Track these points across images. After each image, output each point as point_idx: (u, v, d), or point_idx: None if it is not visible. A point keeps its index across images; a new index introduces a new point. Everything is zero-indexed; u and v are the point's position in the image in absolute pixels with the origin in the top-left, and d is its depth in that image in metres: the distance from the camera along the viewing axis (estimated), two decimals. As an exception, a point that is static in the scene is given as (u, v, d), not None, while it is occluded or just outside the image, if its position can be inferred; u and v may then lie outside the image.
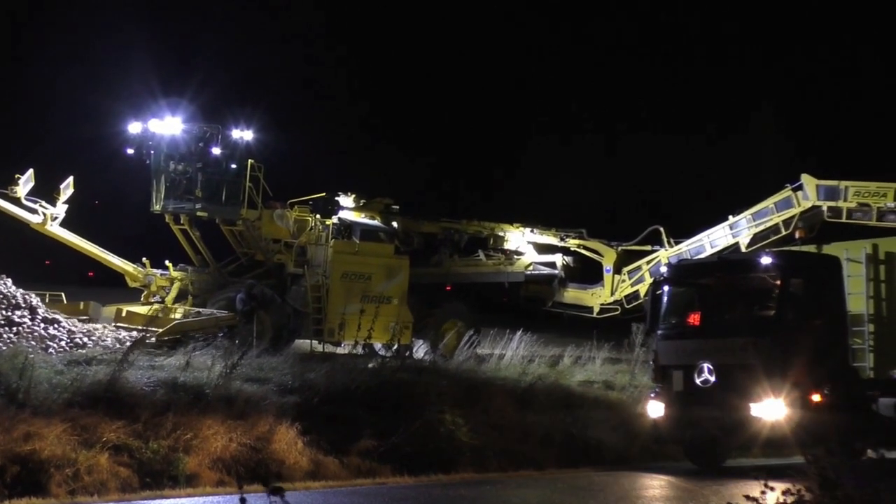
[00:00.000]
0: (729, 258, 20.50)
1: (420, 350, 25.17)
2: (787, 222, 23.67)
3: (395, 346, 23.43)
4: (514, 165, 49.55)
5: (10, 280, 19.59)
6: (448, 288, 27.82)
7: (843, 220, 22.94)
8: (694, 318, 18.01)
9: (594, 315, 26.90)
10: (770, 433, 16.64)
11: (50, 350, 17.85)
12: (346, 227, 25.56)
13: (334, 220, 25.32)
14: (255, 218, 24.61)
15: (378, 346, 24.49)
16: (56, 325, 19.14)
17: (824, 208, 23.19)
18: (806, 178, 23.46)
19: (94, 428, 13.83)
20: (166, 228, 25.11)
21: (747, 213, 24.47)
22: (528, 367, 21.38)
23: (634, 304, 25.89)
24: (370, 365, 20.39)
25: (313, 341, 23.94)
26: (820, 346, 16.94)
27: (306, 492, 13.75)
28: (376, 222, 26.37)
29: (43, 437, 13.11)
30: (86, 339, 19.08)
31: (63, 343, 18.60)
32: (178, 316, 21.94)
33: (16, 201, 22.29)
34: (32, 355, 15.52)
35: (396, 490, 14.82)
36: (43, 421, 13.39)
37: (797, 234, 21.81)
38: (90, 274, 27.95)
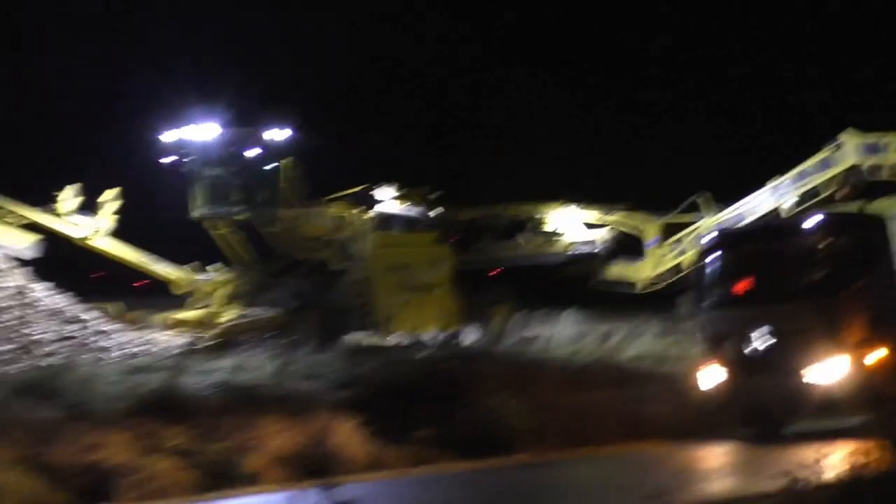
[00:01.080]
0: (774, 223, 20.42)
1: (469, 336, 25.20)
2: (829, 182, 23.46)
3: (444, 334, 23.55)
4: (545, 142, 49.30)
5: (65, 295, 19.87)
6: (493, 273, 27.84)
7: (884, 177, 22.72)
8: (742, 286, 17.89)
9: (638, 290, 26.82)
10: (827, 396, 16.54)
11: (105, 361, 18.07)
12: (387, 219, 25.62)
13: (373, 212, 25.35)
14: (294, 217, 24.72)
15: (427, 335, 24.57)
16: (109, 336, 19.37)
17: (865, 166, 22.96)
18: (846, 136, 23.21)
19: (155, 434, 14.02)
20: (208, 233, 25.31)
21: (789, 175, 24.29)
22: (578, 345, 21.36)
23: (679, 276, 25.78)
24: (420, 355, 20.48)
25: (361, 335, 24.04)
26: (871, 306, 16.78)
27: (366, 483, 13.84)
28: (416, 212, 26.39)
29: (107, 447, 13.31)
30: (139, 348, 19.31)
31: (117, 353, 18.83)
32: (225, 319, 22.12)
33: (60, 217, 22.56)
34: (89, 367, 15.73)
35: (456, 476, 14.89)
36: (105, 431, 13.59)
37: (841, 194, 21.64)
38: (140, 283, 28.21)
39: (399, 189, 26.29)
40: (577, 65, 54.17)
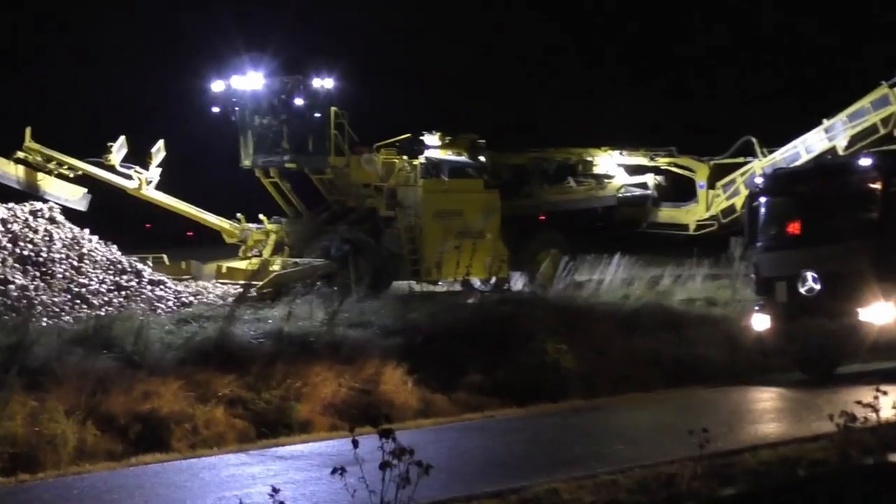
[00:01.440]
0: (826, 163, 20.10)
1: (518, 282, 25.18)
2: (885, 121, 23.03)
3: (494, 280, 23.51)
4: (591, 89, 48.85)
5: (114, 246, 20.07)
6: (542, 218, 27.73)
7: None
8: (794, 228, 17.69)
9: (690, 233, 26.62)
10: (880, 337, 16.38)
11: (158, 311, 18.29)
12: (434, 166, 25.58)
13: (421, 159, 25.31)
14: (344, 165, 24.76)
15: (476, 281, 24.58)
16: (162, 287, 19.58)
17: (922, 104, 22.51)
18: (904, 73, 22.75)
19: (208, 383, 14.18)
20: (258, 182, 25.43)
21: (842, 115, 23.86)
22: (628, 290, 21.26)
23: (731, 217, 25.55)
24: (470, 301, 20.50)
25: (411, 282, 24.11)
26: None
27: (417, 430, 13.93)
28: (464, 158, 26.31)
29: (160, 396, 13.49)
30: (192, 298, 19.51)
31: (170, 303, 19.04)
32: (276, 268, 22.26)
33: (111, 168, 22.76)
34: (143, 317, 15.94)
35: (506, 422, 14.95)
36: (159, 380, 13.77)
37: (897, 134, 21.25)
38: (189, 234, 28.49)
39: (443, 137, 26.19)
40: (615, 18, 53.58)
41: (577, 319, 18.85)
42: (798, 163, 23.79)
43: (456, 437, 13.78)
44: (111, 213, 23.60)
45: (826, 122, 24.22)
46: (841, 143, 23.71)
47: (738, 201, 25.01)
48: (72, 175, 22.25)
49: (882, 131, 23.07)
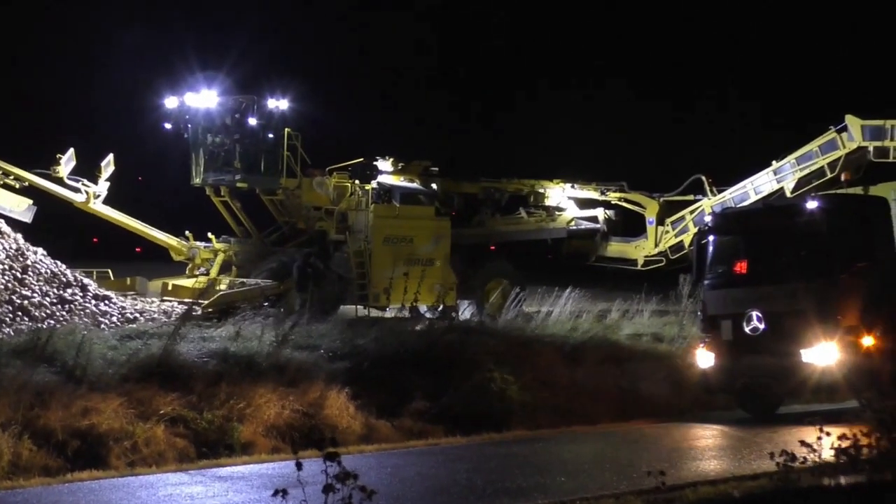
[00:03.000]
0: (774, 204, 20.31)
1: (466, 311, 25.18)
2: (832, 165, 23.40)
3: (442, 308, 23.46)
4: (544, 120, 49.25)
5: (58, 261, 19.81)
6: (492, 248, 27.77)
7: (891, 159, 22.63)
8: (741, 266, 17.85)
9: (639, 268, 26.80)
10: (822, 379, 16.54)
11: (102, 326, 18.05)
12: (386, 192, 25.53)
13: (374, 184, 25.27)
14: (295, 186, 24.64)
15: (424, 308, 24.53)
16: (107, 302, 19.33)
17: (870, 149, 22.89)
18: (850, 119, 23.13)
19: (150, 401, 14.01)
20: (208, 201, 25.24)
21: (791, 157, 24.21)
22: (576, 322, 21.34)
23: (679, 254, 25.77)
24: (417, 328, 20.46)
25: (359, 307, 24.02)
26: (870, 289, 16.75)
27: (360, 455, 13.87)
28: (416, 185, 26.31)
29: (100, 412, 13.30)
30: (137, 315, 19.27)
31: (115, 319, 18.80)
32: (223, 287, 22.08)
33: (59, 181, 22.46)
34: (86, 332, 15.71)
35: (450, 450, 14.90)
36: (100, 396, 13.59)
37: (843, 177, 21.56)
38: (138, 250, 28.16)
39: (396, 163, 26.21)
40: (579, 48, 54.17)
41: (523, 350, 18.89)
42: (747, 203, 24.07)
43: (399, 463, 13.70)
44: (57, 227, 23.25)
45: (775, 164, 24.57)
46: (789, 185, 24.05)
47: (687, 238, 25.24)
48: (18, 186, 21.90)
49: (829, 175, 23.43)
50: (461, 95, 52.55)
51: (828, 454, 11.21)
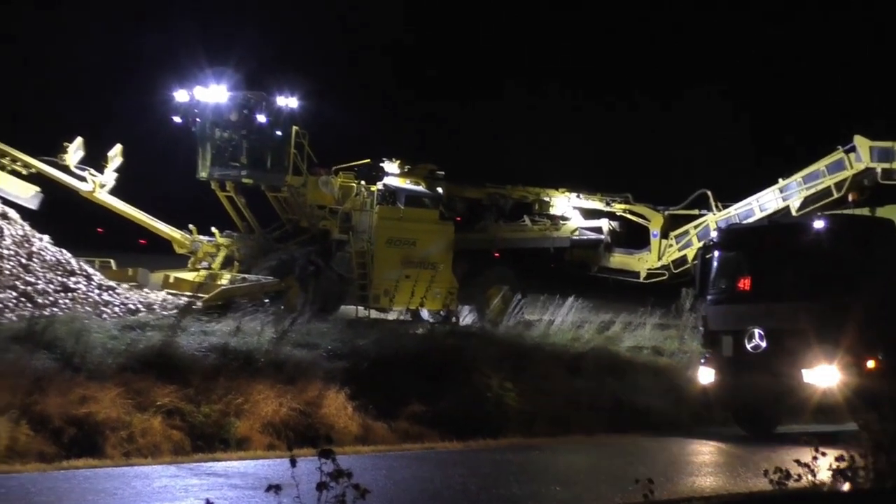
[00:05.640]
0: (781, 222, 20.29)
1: (467, 316, 25.15)
2: (839, 185, 23.36)
3: (443, 312, 23.45)
4: (554, 130, 49.25)
5: (64, 250, 19.81)
6: (496, 254, 27.75)
7: None
8: (745, 283, 17.82)
9: (640, 280, 26.77)
10: (822, 399, 16.51)
11: (104, 316, 18.04)
12: (391, 193, 25.52)
13: (379, 186, 25.28)
14: (300, 184, 24.64)
15: (425, 312, 24.51)
16: (111, 292, 19.32)
17: (878, 170, 22.86)
18: (859, 140, 23.10)
19: (148, 392, 14.01)
20: (213, 195, 25.24)
21: (798, 176, 24.18)
22: (577, 332, 21.30)
23: (682, 268, 25.74)
24: (418, 331, 20.44)
25: (359, 307, 24.00)
26: (874, 311, 16.70)
27: (355, 456, 13.83)
28: (421, 188, 26.30)
29: (98, 401, 13.31)
30: (139, 306, 19.26)
31: (117, 309, 18.78)
32: (224, 282, 22.05)
33: (65, 169, 22.47)
34: (88, 320, 15.71)
35: (444, 454, 14.89)
36: (98, 384, 13.59)
37: (850, 197, 21.54)
38: (142, 241, 28.13)
39: (402, 165, 26.20)
40: (587, 58, 54.24)
41: (523, 358, 18.86)
42: (751, 220, 24.04)
43: (394, 465, 13.69)
44: (65, 214, 23.22)
45: (781, 182, 24.54)
46: (794, 204, 24.02)
47: (690, 253, 25.23)
48: (25, 172, 21.91)
49: (835, 195, 23.39)
50: (464, 99, 52.57)
51: (824, 475, 11.18)
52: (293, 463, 7.55)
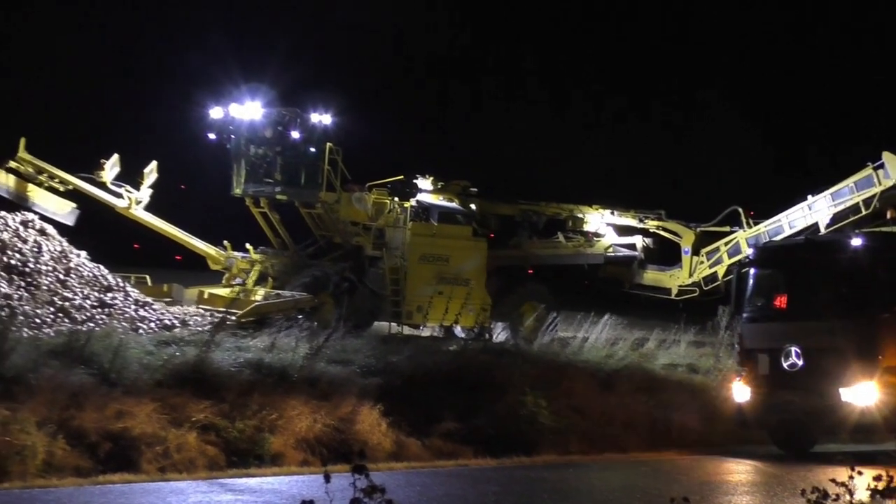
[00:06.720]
0: (816, 239, 20.14)
1: (500, 333, 25.12)
2: (867, 201, 23.16)
3: (476, 329, 23.41)
4: (587, 149, 49.22)
5: (100, 265, 19.98)
6: (530, 271, 27.71)
7: None
8: (781, 301, 17.72)
9: (672, 297, 26.63)
10: (860, 418, 16.34)
11: (140, 331, 18.16)
12: (424, 210, 25.54)
13: (412, 202, 25.32)
14: (334, 201, 24.71)
15: (457, 328, 24.50)
16: (147, 307, 19.45)
17: (910, 186, 22.65)
18: (888, 157, 22.91)
19: (183, 407, 14.06)
20: (247, 212, 25.38)
21: (826, 193, 23.97)
22: (611, 350, 21.21)
23: (712, 285, 25.58)
24: (451, 347, 20.43)
25: (392, 323, 24.02)
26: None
27: (389, 472, 13.84)
28: (454, 205, 26.32)
29: (134, 416, 13.37)
30: (175, 321, 19.37)
31: (153, 325, 18.90)
32: (258, 298, 22.14)
33: (102, 186, 22.66)
34: (124, 336, 15.82)
35: (478, 472, 14.86)
36: (134, 400, 13.65)
37: (889, 214, 21.34)
38: (178, 257, 28.34)
39: (435, 182, 26.23)
40: (617, 77, 54.19)
41: (557, 375, 18.79)
42: (781, 237, 23.87)
43: (427, 481, 13.67)
44: (101, 230, 23.40)
45: (811, 199, 24.34)
46: (823, 221, 23.81)
47: (721, 270, 25.08)
48: (62, 189, 22.13)
49: (864, 212, 23.20)
50: (494, 114, 52.67)
51: (862, 494, 11.05)
52: (327, 479, 7.54)
